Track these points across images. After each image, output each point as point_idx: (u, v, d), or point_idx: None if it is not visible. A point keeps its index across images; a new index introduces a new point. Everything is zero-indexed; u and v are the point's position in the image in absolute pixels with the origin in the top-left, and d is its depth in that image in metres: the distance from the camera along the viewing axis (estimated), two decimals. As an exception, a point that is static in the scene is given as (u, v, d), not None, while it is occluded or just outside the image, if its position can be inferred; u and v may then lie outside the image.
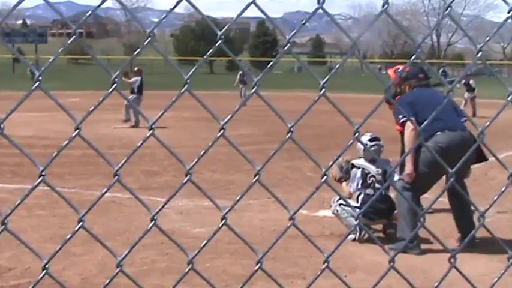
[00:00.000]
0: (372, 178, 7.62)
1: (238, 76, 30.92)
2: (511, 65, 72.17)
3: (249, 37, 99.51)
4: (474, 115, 24.51)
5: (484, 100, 25.54)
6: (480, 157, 7.51)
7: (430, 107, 7.13)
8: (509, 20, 1.82)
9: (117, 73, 1.41)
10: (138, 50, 1.50)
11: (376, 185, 7.57)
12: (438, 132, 7.39)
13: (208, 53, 1.51)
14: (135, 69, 21.92)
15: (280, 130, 1.59)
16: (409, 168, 7.16)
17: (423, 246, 6.88)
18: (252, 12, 1.58)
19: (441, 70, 45.84)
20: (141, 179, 10.76)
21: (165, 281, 5.71)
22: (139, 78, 21.07)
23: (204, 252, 6.63)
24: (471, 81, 26.00)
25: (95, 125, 17.46)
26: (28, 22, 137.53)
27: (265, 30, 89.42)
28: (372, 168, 7.63)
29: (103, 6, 1.50)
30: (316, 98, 1.55)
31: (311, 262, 6.35)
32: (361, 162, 7.69)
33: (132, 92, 20.44)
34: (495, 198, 1.89)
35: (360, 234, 7.26)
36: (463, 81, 26.43)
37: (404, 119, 7.58)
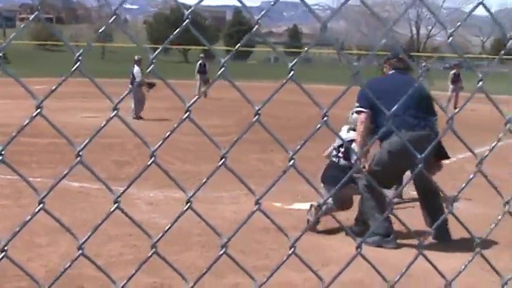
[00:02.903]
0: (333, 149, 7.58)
1: (197, 66, 29.80)
2: (489, 59, 72.85)
3: (224, 26, 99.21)
4: (455, 107, 24.60)
5: (462, 93, 25.68)
6: (440, 155, 7.31)
7: (397, 98, 7.14)
8: (488, 15, 1.76)
9: (80, 51, 1.32)
10: (102, 28, 1.41)
11: (332, 158, 7.51)
12: (400, 130, 6.88)
13: (174, 33, 1.43)
14: (136, 58, 20.91)
15: (267, 121, 1.50)
16: (361, 161, 7.03)
17: (402, 241, 6.88)
18: (229, 0, 1.50)
19: (423, 64, 46.04)
20: (110, 168, 10.61)
21: (132, 272, 5.62)
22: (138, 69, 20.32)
23: (173, 244, 6.59)
24: (459, 72, 26.08)
25: (62, 113, 17.27)
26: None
27: (241, 19, 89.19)
28: (338, 140, 7.49)
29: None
30: (284, 81, 1.47)
31: (283, 255, 6.29)
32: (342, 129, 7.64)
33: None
34: (463, 185, 1.85)
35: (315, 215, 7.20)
36: (452, 72, 26.45)
37: (360, 109, 7.25)
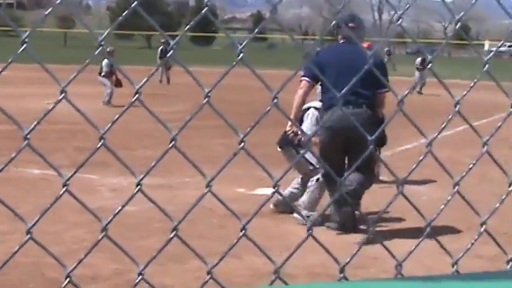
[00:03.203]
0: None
1: (159, 52, 29.99)
2: (451, 45, 73.60)
3: (187, 12, 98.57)
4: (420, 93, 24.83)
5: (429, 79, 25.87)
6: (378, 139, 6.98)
7: (339, 70, 6.56)
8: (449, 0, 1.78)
9: (27, 33, 1.31)
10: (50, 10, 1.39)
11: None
12: (333, 107, 6.57)
13: (124, 14, 1.42)
14: (108, 50, 21.17)
15: (222, 106, 1.50)
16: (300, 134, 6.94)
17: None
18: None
19: (386, 50, 46.28)
20: (72, 155, 10.51)
21: (96, 259, 5.58)
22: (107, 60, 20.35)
23: (136, 229, 6.58)
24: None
25: (25, 99, 17.07)
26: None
27: (203, 4, 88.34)
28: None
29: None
30: (234, 62, 1.47)
31: (247, 240, 6.32)
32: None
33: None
34: (413, 166, 1.88)
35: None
36: (419, 58, 26.52)
37: (301, 78, 6.94)
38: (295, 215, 7.16)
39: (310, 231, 1.54)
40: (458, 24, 1.64)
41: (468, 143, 12.54)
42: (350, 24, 6.94)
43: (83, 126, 12.78)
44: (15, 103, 15.87)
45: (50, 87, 21.97)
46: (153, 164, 1.43)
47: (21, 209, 6.31)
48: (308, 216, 7.03)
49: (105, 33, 1.38)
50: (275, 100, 1.47)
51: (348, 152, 6.80)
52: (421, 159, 1.70)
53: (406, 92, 1.80)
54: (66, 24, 74.54)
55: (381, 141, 7.12)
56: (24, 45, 1.28)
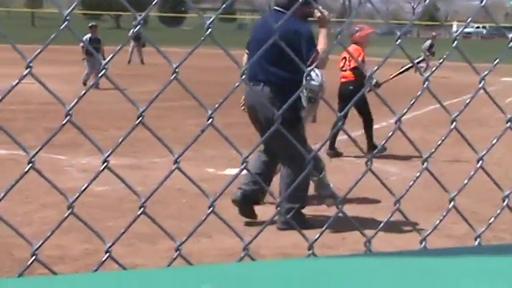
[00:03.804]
0: None
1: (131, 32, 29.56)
2: (420, 26, 73.97)
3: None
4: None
5: (393, 60, 25.96)
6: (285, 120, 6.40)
7: (252, 42, 6.29)
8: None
9: None
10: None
11: None
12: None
13: None
14: (89, 25, 20.58)
15: (193, 86, 1.50)
16: None
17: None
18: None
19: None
20: (42, 136, 10.39)
21: (66, 240, 5.56)
22: (87, 36, 19.85)
23: (107, 210, 6.56)
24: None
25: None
26: None
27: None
28: None
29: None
30: (202, 37, 1.47)
31: (218, 220, 6.32)
32: None
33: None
34: (383, 142, 1.89)
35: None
36: (428, 41, 26.85)
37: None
38: None
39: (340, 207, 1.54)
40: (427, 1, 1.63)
41: (439, 124, 12.65)
42: None
43: (53, 106, 12.65)
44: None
45: (19, 68, 21.79)
46: (120, 140, 1.42)
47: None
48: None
49: (72, 7, 1.36)
50: (243, 76, 1.47)
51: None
52: (390, 135, 1.71)
53: (375, 68, 1.77)
54: (34, 4, 73.55)
55: (289, 123, 6.48)
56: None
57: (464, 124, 1.86)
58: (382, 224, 1.70)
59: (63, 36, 1.41)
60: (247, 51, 6.49)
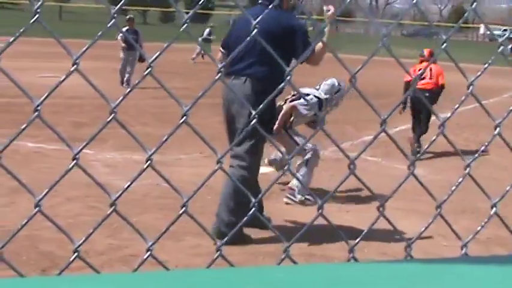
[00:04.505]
0: None
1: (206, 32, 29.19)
2: (447, 27, 73.54)
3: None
4: None
5: (414, 60, 25.81)
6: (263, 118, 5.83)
7: (234, 36, 6.02)
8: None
9: (39, 3, 1.29)
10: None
11: None
12: (226, 77, 5.79)
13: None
14: (127, 17, 19.05)
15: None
16: None
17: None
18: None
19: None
20: (68, 130, 10.48)
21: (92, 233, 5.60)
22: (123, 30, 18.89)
23: (131, 206, 6.56)
24: None
25: (18, 72, 16.92)
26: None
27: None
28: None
29: None
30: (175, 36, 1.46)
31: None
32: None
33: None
34: (426, 147, 1.87)
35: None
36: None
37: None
38: (286, 198, 7.25)
39: (320, 211, 1.53)
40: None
41: (464, 127, 12.57)
42: None
43: (78, 101, 12.77)
44: (14, 76, 15.81)
45: (43, 61, 21.69)
46: (165, 138, 1.43)
47: (16, 182, 6.33)
48: (306, 199, 7.12)
49: (119, 5, 1.35)
50: (219, 74, 1.46)
51: None
52: (434, 140, 1.69)
53: (359, 68, 1.75)
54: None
55: (267, 121, 5.63)
56: (36, 15, 1.26)
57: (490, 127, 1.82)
58: (423, 229, 1.68)
59: (88, 30, 1.41)
60: (222, 49, 6.23)
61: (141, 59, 17.24)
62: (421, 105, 10.37)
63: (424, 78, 10.77)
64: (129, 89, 1.41)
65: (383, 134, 1.72)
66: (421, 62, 11.09)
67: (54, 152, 8.33)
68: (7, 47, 1.30)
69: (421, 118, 10.63)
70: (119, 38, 18.27)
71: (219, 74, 1.46)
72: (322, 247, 5.67)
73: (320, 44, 5.69)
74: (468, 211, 7.00)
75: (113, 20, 1.31)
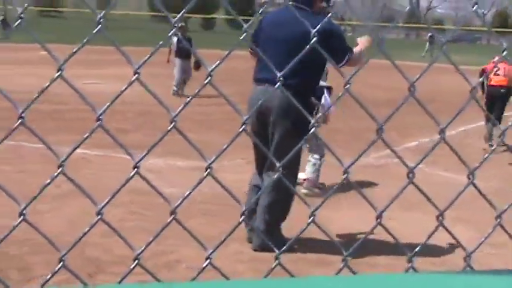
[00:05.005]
0: None
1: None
2: (490, 32, 72.65)
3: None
4: None
5: (465, 67, 25.51)
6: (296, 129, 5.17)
7: (268, 40, 5.69)
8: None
9: (102, 13, 1.30)
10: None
11: None
12: (254, 84, 5.76)
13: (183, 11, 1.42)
14: (179, 25, 18.76)
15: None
16: None
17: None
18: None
19: (429, 35, 46.16)
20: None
21: (135, 239, 5.61)
22: (175, 38, 17.04)
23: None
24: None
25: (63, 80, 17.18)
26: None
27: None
28: None
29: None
30: (160, 42, 1.45)
31: (286, 225, 6.34)
32: None
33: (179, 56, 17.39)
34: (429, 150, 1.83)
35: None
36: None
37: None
38: (304, 189, 7.80)
39: (378, 220, 1.51)
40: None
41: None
42: None
43: (120, 107, 12.86)
44: (56, 84, 16.03)
45: (86, 68, 21.91)
46: (225, 146, 1.42)
47: (62, 189, 6.39)
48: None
49: (181, 14, 1.35)
50: (209, 78, 1.44)
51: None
52: (435, 145, 1.65)
53: (418, 76, 1.72)
54: (106, 6, 74.86)
55: (303, 129, 5.87)
56: (99, 25, 1.28)
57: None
58: (483, 239, 1.64)
59: (132, 37, 1.41)
60: (252, 49, 5.83)
61: (196, 67, 16.60)
62: (495, 99, 11.37)
63: (498, 75, 11.60)
64: (189, 98, 1.41)
65: (424, 140, 1.68)
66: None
67: (99, 158, 8.42)
68: (70, 57, 1.31)
69: (493, 110, 11.37)
70: (172, 46, 17.63)
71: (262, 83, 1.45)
72: (368, 255, 5.62)
73: (358, 50, 5.69)
74: (472, 221, 6.67)
75: (173, 29, 1.32)
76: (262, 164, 5.76)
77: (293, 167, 5.52)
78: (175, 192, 7.00)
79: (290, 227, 5.68)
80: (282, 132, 5.53)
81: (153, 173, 8.29)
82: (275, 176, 5.66)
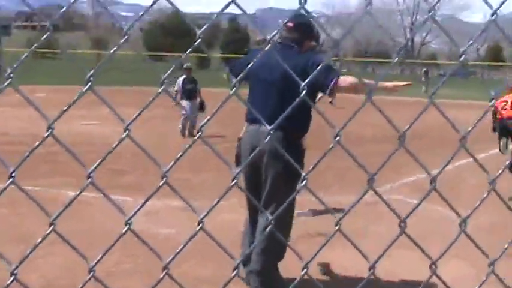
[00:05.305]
0: None
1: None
2: (484, 66, 73.20)
3: (220, 33, 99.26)
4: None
5: (459, 101, 25.68)
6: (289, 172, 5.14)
7: (256, 78, 5.47)
8: (483, 21, 1.74)
9: (92, 71, 1.30)
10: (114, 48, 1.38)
11: None
12: (246, 123, 5.63)
13: (187, 52, 1.42)
14: (185, 66, 18.48)
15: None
16: None
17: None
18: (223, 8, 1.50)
19: (424, 70, 46.56)
20: (109, 178, 10.55)
21: (132, 282, 5.58)
22: (181, 79, 17.80)
23: (170, 253, 6.43)
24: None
25: (61, 120, 17.12)
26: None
27: (236, 26, 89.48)
28: None
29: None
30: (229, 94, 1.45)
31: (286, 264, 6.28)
32: None
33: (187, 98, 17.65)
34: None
35: None
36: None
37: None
38: None
39: (371, 271, 1.49)
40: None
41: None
42: (288, 24, 5.54)
43: (117, 147, 12.81)
44: (56, 126, 15.99)
45: (86, 109, 22.03)
46: (215, 202, 1.40)
47: (59, 231, 6.30)
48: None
49: (187, 52, 1.35)
50: (199, 134, 1.43)
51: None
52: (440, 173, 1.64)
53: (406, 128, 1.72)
54: (99, 47, 75.39)
55: (291, 174, 5.18)
56: (89, 83, 1.27)
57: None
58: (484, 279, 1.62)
59: (119, 78, 1.41)
60: (234, 78, 5.14)
61: (202, 108, 16.99)
62: (508, 132, 11.89)
63: (507, 109, 11.95)
64: (180, 154, 1.40)
65: (422, 176, 1.67)
66: (510, 92, 12.11)
67: (95, 200, 8.35)
68: (59, 116, 1.30)
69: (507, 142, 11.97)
70: (176, 88, 17.79)
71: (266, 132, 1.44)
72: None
73: (352, 81, 5.28)
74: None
75: (185, 72, 1.31)
76: (254, 208, 5.63)
77: (287, 215, 5.40)
78: (172, 233, 6.97)
79: (287, 265, 5.62)
80: (274, 175, 5.39)
81: (150, 215, 8.25)
82: (268, 225, 5.55)
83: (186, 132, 17.29)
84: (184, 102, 17.56)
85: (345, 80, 5.26)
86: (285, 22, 5.67)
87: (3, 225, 7.48)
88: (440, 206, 8.73)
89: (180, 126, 17.37)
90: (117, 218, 1.51)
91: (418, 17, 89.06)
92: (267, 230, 5.45)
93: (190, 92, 17.54)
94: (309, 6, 1.78)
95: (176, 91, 17.82)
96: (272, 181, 5.38)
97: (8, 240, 6.78)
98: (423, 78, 44.39)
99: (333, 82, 5.15)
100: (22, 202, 8.15)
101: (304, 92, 1.57)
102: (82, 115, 19.75)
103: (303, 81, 5.38)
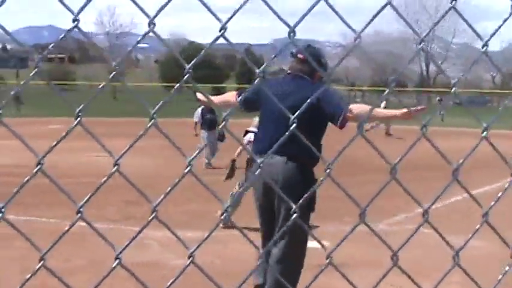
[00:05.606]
0: None
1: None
2: (500, 94, 72.94)
3: (236, 64, 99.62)
4: None
5: (476, 130, 25.53)
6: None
7: (266, 109, 5.49)
8: (498, 49, 1.74)
9: (80, 107, 1.32)
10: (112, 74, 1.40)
11: None
12: (257, 153, 5.20)
13: (176, 86, 1.44)
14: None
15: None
16: None
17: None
18: (239, 38, 1.51)
19: (438, 99, 46.45)
20: (123, 209, 10.57)
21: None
22: (199, 110, 17.59)
23: (174, 285, 6.39)
24: None
25: (76, 152, 17.18)
26: (8, 47, 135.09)
27: (252, 57, 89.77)
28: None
29: (86, 30, 1.43)
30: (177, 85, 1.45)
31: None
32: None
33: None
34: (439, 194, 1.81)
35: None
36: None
37: (239, 96, 5.72)
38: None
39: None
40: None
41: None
42: (298, 56, 5.60)
43: (123, 180, 12.78)
44: (67, 156, 16.00)
45: (91, 140, 22.04)
46: (205, 236, 1.40)
47: (72, 263, 6.28)
48: None
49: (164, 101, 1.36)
50: (153, 120, 1.44)
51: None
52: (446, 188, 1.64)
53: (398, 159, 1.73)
54: (115, 78, 75.73)
55: (307, 208, 5.18)
56: (78, 118, 1.28)
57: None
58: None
59: (135, 109, 1.42)
60: (241, 101, 5.58)
61: (221, 138, 16.68)
62: None
63: None
64: (169, 188, 1.41)
65: (438, 206, 1.66)
66: None
67: (105, 232, 8.33)
68: (49, 151, 1.32)
69: None
70: (196, 119, 17.73)
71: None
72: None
73: (362, 109, 5.30)
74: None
75: (152, 121, 1.32)
76: (269, 238, 5.58)
77: (301, 246, 5.46)
78: (182, 264, 6.90)
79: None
80: (288, 206, 5.28)
81: (162, 246, 8.24)
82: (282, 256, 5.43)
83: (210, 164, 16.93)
84: (204, 133, 17.37)
85: (358, 107, 5.33)
86: (294, 52, 5.65)
87: (19, 258, 7.46)
88: (453, 236, 8.67)
89: (206, 160, 16.95)
90: (131, 248, 1.51)
91: (433, 45, 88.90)
92: (281, 261, 5.45)
93: (210, 121, 17.31)
94: (325, 36, 1.80)
95: (196, 122, 17.73)
96: (286, 212, 5.35)
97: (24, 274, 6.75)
98: (438, 109, 44.30)
99: (342, 116, 5.21)
100: (36, 235, 8.16)
101: (311, 122, 1.55)
102: (88, 147, 19.67)
103: (315, 112, 5.21)
